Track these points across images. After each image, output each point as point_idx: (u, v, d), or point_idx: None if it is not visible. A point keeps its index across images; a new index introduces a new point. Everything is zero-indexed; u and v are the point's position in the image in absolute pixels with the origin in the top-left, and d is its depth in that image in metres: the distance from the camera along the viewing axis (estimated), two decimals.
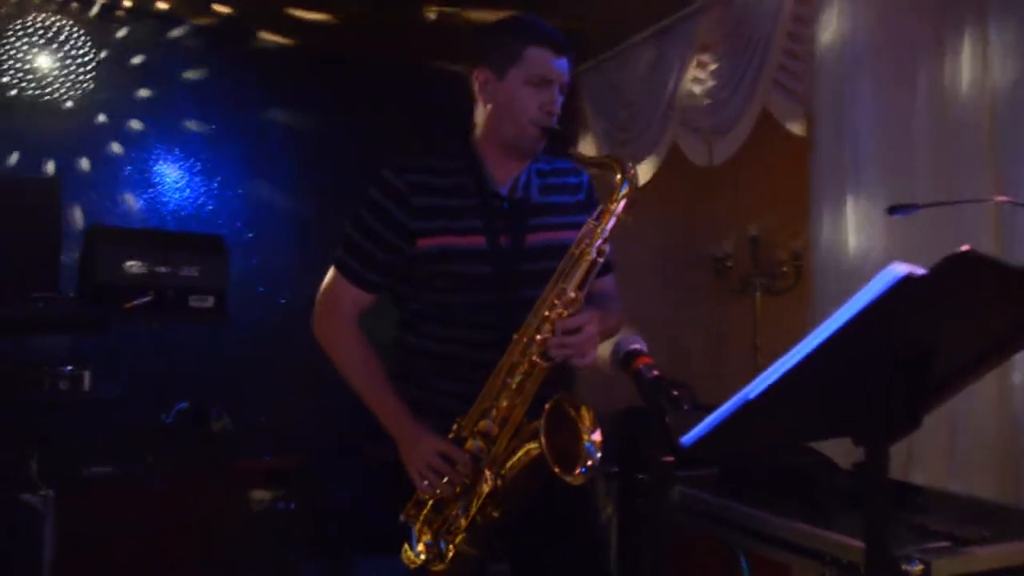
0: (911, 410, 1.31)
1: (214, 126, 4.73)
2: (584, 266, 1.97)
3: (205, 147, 4.72)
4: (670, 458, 1.55)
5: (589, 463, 1.86)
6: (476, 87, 2.13)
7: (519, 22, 2.10)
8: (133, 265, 2.97)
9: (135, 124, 4.51)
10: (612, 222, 1.97)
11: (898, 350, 1.25)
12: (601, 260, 1.97)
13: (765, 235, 4.45)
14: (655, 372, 1.68)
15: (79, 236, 3.76)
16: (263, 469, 4.17)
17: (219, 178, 4.75)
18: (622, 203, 1.97)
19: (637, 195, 1.98)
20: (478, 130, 2.16)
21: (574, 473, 1.86)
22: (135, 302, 2.90)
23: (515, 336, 1.98)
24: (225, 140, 4.76)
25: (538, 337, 1.95)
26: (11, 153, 4.16)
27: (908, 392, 1.29)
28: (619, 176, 1.98)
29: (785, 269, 4.34)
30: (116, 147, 4.47)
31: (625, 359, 1.75)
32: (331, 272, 2.18)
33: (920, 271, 1.13)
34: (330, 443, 4.30)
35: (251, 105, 4.84)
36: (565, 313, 1.95)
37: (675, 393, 1.57)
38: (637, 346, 1.78)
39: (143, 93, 4.54)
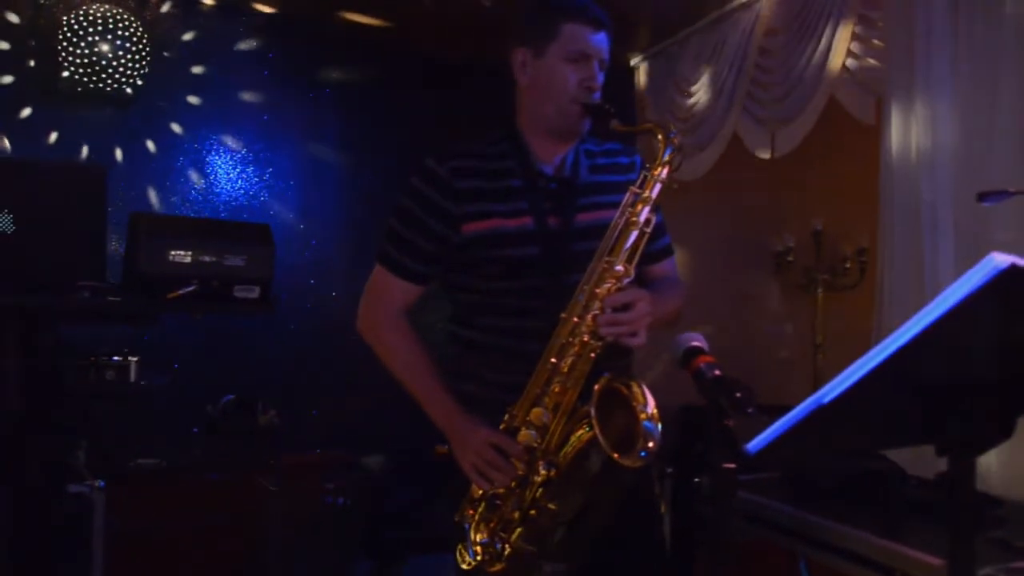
0: (1005, 418, 1.18)
1: (267, 117, 4.71)
2: (630, 236, 1.87)
3: (259, 137, 4.69)
4: (732, 464, 1.43)
5: (650, 444, 1.72)
6: (515, 67, 2.06)
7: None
8: (177, 254, 2.91)
9: (189, 113, 4.49)
10: (656, 188, 1.87)
11: (994, 350, 1.12)
12: (648, 229, 1.87)
13: (829, 229, 4.28)
14: (716, 371, 1.56)
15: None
16: (311, 463, 4.12)
17: (271, 168, 4.72)
18: (665, 169, 1.87)
19: (682, 159, 1.89)
20: (521, 111, 2.08)
21: (633, 455, 1.71)
22: (178, 292, 2.84)
23: (563, 316, 1.88)
24: (279, 132, 4.73)
25: (588, 316, 1.85)
26: (64, 141, 4.17)
27: (1003, 398, 1.15)
28: (661, 140, 1.88)
29: (848, 265, 4.17)
30: (169, 135, 4.46)
31: (685, 356, 1.64)
32: (376, 266, 2.11)
33: None
34: (383, 439, 4.24)
35: (306, 97, 4.81)
36: (614, 288, 1.85)
37: (738, 395, 1.45)
38: (697, 343, 1.66)
39: (199, 80, 4.53)
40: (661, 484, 2.76)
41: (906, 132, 3.25)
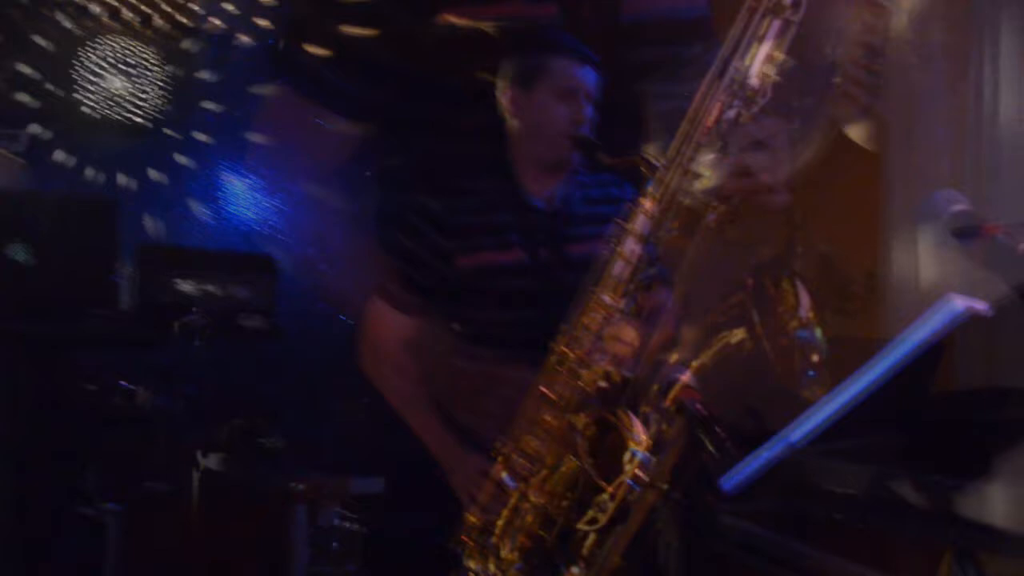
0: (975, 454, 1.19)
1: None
2: (615, 267, 1.68)
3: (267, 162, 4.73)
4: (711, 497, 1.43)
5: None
6: (504, 104, 2.09)
7: (540, 34, 2.06)
8: (183, 283, 2.97)
9: (198, 145, 4.56)
10: (640, 220, 1.67)
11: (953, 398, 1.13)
12: (635, 262, 1.68)
13: (836, 253, 4.27)
14: (698, 407, 1.57)
15: None
16: (316, 489, 4.14)
17: (281, 194, 4.76)
18: (648, 200, 1.66)
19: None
20: (511, 146, 2.12)
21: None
22: (183, 320, 2.90)
23: (552, 345, 1.79)
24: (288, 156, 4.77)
25: (576, 351, 1.70)
26: (76, 169, 4.25)
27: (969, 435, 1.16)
28: (645, 173, 1.86)
29: (856, 289, 4.16)
30: (177, 166, 4.52)
31: (667, 390, 1.64)
32: (371, 299, 2.11)
33: (982, 306, 1.02)
34: (390, 465, 4.24)
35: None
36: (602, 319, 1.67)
37: (719, 432, 1.45)
38: (683, 377, 1.66)
39: (209, 109, 4.59)
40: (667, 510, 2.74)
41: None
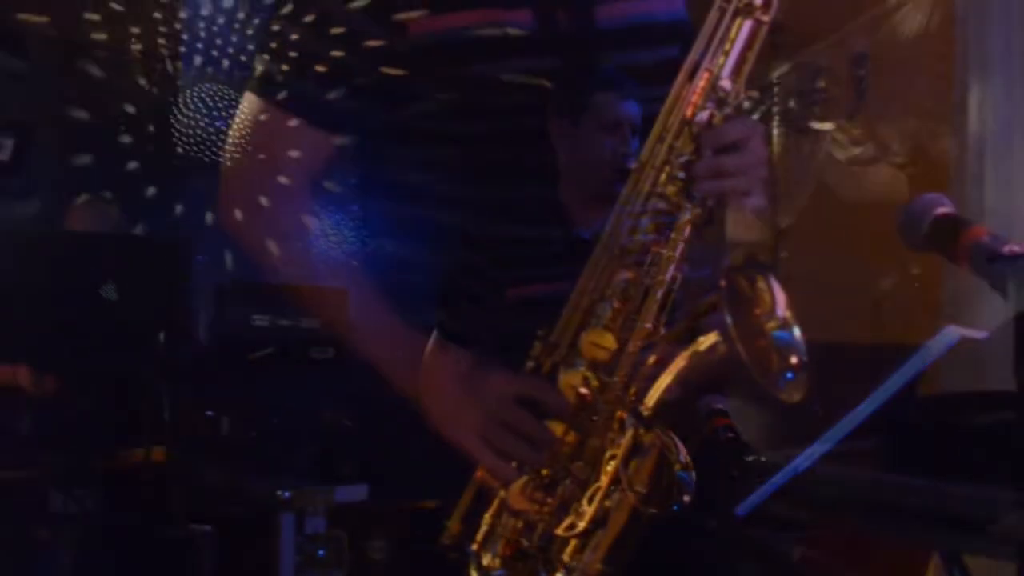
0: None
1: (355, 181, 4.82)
2: (657, 295, 1.42)
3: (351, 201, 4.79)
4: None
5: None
6: (553, 138, 2.09)
7: (584, 69, 2.07)
8: (258, 318, 3.32)
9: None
10: (680, 247, 1.47)
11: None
12: (675, 287, 1.46)
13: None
14: (730, 434, 1.52)
15: None
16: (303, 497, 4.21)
17: (364, 231, 4.80)
18: (688, 227, 1.46)
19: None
20: (561, 178, 2.13)
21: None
22: (258, 354, 3.22)
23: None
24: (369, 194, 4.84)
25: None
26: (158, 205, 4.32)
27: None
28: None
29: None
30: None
31: (707, 416, 1.58)
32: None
33: (980, 335, 1.03)
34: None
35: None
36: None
37: (748, 459, 1.44)
38: (720, 406, 1.61)
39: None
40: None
41: None
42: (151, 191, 4.25)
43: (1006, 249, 1.21)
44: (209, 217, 4.44)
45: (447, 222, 1.91)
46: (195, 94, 4.36)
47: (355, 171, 1.91)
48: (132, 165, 4.21)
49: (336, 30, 1.37)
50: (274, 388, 4.26)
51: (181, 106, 4.36)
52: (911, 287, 3.69)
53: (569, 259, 1.97)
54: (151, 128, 4.29)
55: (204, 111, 4.35)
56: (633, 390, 1.30)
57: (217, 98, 4.33)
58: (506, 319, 1.88)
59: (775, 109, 3.63)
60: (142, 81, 4.31)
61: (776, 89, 3.56)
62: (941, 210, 1.28)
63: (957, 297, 3.15)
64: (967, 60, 3.28)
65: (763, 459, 1.43)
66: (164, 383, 3.55)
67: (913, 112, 3.77)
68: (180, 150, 4.30)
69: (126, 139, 4.20)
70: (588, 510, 1.32)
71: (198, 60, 4.38)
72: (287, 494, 3.41)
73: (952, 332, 1.04)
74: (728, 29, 1.30)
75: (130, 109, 4.26)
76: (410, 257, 1.78)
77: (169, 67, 4.39)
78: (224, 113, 4.32)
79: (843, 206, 3.93)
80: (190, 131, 4.32)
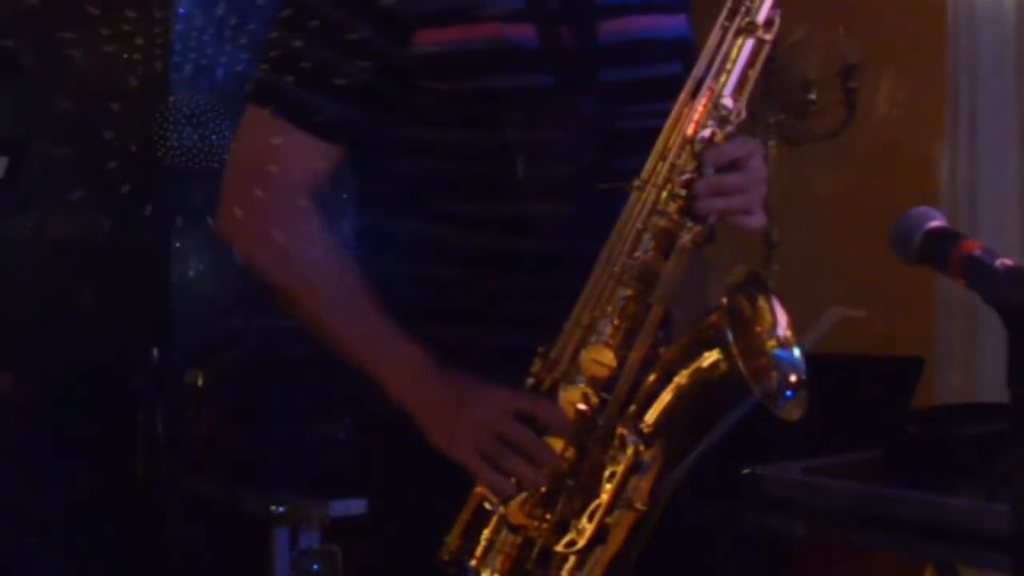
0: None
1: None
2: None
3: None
4: None
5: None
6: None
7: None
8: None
9: None
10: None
11: None
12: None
13: None
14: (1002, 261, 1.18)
15: None
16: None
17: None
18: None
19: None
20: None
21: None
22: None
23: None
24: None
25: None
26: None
27: None
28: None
29: None
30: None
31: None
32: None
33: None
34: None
35: None
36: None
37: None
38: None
39: None
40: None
41: None
42: (143, 204, 4.28)
43: (999, 263, 1.19)
44: (208, 222, 4.52)
45: (443, 234, 1.87)
46: (187, 103, 4.36)
47: (351, 182, 1.89)
48: (124, 174, 4.23)
49: (339, 40, 1.32)
50: (270, 398, 4.32)
51: (174, 117, 4.36)
52: (903, 298, 3.71)
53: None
54: (144, 139, 4.29)
55: (196, 121, 4.34)
56: (633, 407, 1.29)
57: (209, 109, 4.33)
58: (500, 332, 1.85)
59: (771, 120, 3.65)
60: (134, 89, 4.31)
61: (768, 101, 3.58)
62: (933, 224, 1.25)
63: (950, 305, 3.16)
64: (958, 70, 3.30)
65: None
66: (157, 395, 3.57)
67: (904, 123, 3.77)
68: (172, 160, 4.29)
69: (118, 149, 4.21)
70: (588, 527, 1.30)
71: (189, 69, 4.39)
72: (281, 508, 3.37)
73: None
74: (730, 48, 1.29)
75: (122, 120, 4.27)
76: (404, 269, 1.68)
77: (160, 69, 4.37)
78: (216, 124, 4.31)
79: (833, 218, 3.94)
80: (182, 141, 4.32)
